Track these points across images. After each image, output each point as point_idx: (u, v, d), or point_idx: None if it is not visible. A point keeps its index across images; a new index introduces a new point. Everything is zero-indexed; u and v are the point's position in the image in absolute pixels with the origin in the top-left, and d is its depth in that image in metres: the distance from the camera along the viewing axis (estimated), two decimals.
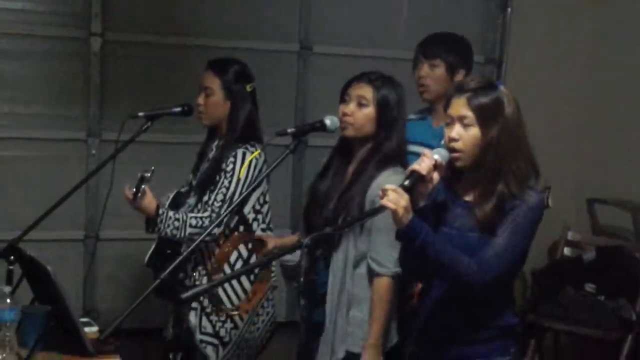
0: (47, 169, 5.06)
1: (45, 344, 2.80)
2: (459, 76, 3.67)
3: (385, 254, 3.08)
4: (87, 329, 2.94)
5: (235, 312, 3.60)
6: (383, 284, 3.12)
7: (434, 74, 3.67)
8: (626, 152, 5.93)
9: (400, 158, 3.20)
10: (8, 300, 2.73)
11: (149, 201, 3.46)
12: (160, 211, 3.48)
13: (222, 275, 3.57)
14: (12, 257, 3.13)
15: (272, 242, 3.49)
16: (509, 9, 6.06)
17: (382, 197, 2.59)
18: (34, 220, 3.32)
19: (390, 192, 2.57)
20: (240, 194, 3.55)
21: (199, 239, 3.21)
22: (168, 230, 3.50)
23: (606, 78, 6.13)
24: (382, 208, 2.60)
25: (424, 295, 2.91)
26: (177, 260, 3.13)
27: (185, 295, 2.67)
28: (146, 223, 3.58)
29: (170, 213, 3.51)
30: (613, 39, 6.12)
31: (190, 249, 3.20)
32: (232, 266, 3.65)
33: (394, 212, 2.57)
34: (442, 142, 2.77)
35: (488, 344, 2.77)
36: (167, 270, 2.98)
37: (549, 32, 6.11)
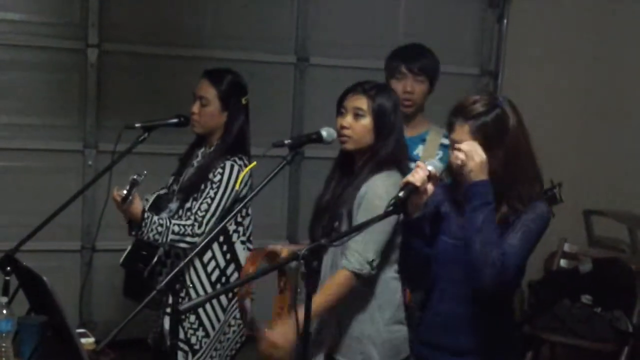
0: (43, 180, 5.07)
1: (41, 355, 2.79)
2: (432, 90, 3.81)
3: (357, 250, 3.06)
4: (83, 340, 2.92)
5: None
6: (340, 275, 3.08)
7: (419, 88, 3.74)
8: (622, 165, 5.95)
9: (398, 162, 3.19)
10: (4, 311, 2.72)
11: (137, 205, 3.47)
12: (146, 215, 3.48)
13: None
14: (8, 268, 3.11)
15: (284, 252, 3.43)
16: (505, 21, 6.08)
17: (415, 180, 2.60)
18: (31, 231, 3.32)
19: (470, 151, 2.61)
20: (225, 205, 3.57)
21: (192, 254, 3.21)
22: (151, 235, 3.50)
23: (604, 90, 6.15)
24: (387, 214, 2.61)
25: (426, 307, 2.91)
26: (173, 272, 3.11)
27: (183, 306, 2.67)
28: (129, 225, 3.58)
29: (155, 218, 3.52)
30: (611, 51, 6.14)
31: (185, 261, 3.19)
32: (209, 275, 3.66)
33: (464, 165, 2.62)
34: (435, 160, 2.78)
35: (493, 354, 2.77)
36: (164, 282, 2.97)
37: (545, 44, 6.13)
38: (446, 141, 3.77)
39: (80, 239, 5.23)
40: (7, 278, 3.12)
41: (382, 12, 5.82)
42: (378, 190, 3.06)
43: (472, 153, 2.61)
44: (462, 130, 2.69)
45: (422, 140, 3.76)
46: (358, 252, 3.05)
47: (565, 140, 6.19)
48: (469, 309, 2.74)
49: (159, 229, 3.50)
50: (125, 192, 3.41)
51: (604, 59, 6.18)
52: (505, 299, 2.82)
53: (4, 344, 2.68)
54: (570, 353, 5.28)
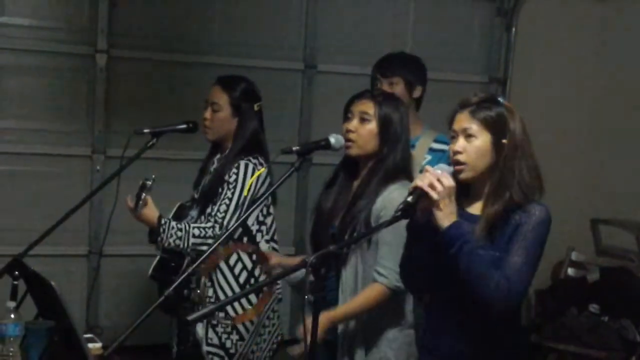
0: (51, 185, 5.08)
1: None
2: (417, 92, 3.84)
3: (389, 267, 3.06)
4: (90, 345, 2.93)
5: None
6: (376, 288, 3.09)
7: (395, 90, 3.76)
8: (630, 173, 5.94)
9: (406, 173, 3.19)
10: (12, 315, 2.74)
11: (151, 211, 3.47)
12: (163, 221, 3.48)
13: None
14: (16, 273, 3.12)
15: (274, 259, 3.47)
16: (514, 29, 6.08)
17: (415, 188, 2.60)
18: (39, 236, 3.32)
19: (436, 182, 2.58)
20: (243, 205, 3.56)
21: (204, 255, 3.20)
22: (171, 241, 3.50)
23: (611, 99, 6.14)
24: (396, 219, 2.60)
25: (429, 310, 2.90)
26: (182, 277, 3.13)
27: (191, 317, 2.66)
28: (149, 234, 3.58)
29: (173, 223, 3.51)
30: (618, 60, 6.13)
31: (194, 265, 3.19)
32: (237, 277, 3.65)
33: (437, 205, 2.59)
34: (443, 164, 2.78)
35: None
36: (172, 287, 2.97)
37: (553, 52, 6.13)
38: (436, 145, 3.80)
39: (88, 244, 5.23)
40: (15, 283, 3.12)
41: (390, 20, 5.82)
42: (396, 204, 3.06)
43: (449, 191, 2.59)
44: (462, 117, 2.71)
45: (412, 145, 3.76)
46: (392, 269, 3.05)
47: (572, 148, 6.19)
48: (467, 316, 2.73)
49: (179, 233, 3.50)
50: (135, 197, 3.42)
51: (611, 67, 6.17)
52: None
53: (11, 349, 2.69)
54: None
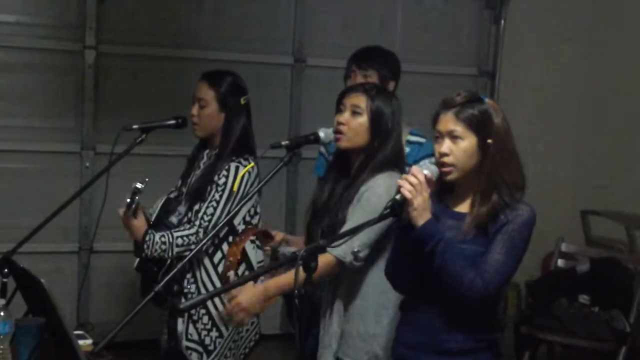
0: (41, 182, 5.07)
1: (39, 357, 2.79)
2: (390, 86, 3.81)
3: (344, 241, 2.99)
4: (81, 342, 2.92)
5: None
6: (324, 258, 3.03)
7: (368, 82, 3.75)
8: (619, 165, 5.96)
9: (398, 166, 3.18)
10: (2, 313, 2.72)
11: (141, 224, 3.47)
12: (147, 237, 3.48)
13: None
14: (5, 270, 3.11)
15: (278, 236, 3.45)
16: (503, 22, 6.09)
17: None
18: (28, 233, 3.32)
19: (411, 178, 2.58)
20: (231, 208, 3.55)
21: (191, 254, 3.21)
22: (155, 254, 3.51)
23: (600, 91, 6.17)
24: (384, 217, 2.61)
25: (408, 305, 2.91)
26: (172, 273, 3.13)
27: (183, 305, 2.67)
28: (135, 247, 3.57)
29: (157, 237, 3.50)
30: (607, 53, 6.15)
31: (183, 262, 3.19)
32: (217, 270, 3.64)
33: (410, 204, 2.59)
34: (428, 162, 2.79)
35: (473, 356, 2.77)
36: (162, 283, 2.97)
37: (542, 44, 6.15)
38: (413, 138, 3.80)
39: (78, 241, 5.23)
40: (5, 280, 3.12)
41: (379, 14, 5.83)
42: (378, 190, 3.07)
43: (419, 188, 2.60)
44: (446, 118, 2.71)
45: None
46: (348, 245, 3.01)
47: (562, 139, 6.21)
48: (446, 310, 2.74)
49: (163, 246, 3.50)
50: (128, 200, 3.41)
51: (600, 60, 6.19)
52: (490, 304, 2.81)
53: (1, 346, 2.68)
54: (568, 353, 5.28)
